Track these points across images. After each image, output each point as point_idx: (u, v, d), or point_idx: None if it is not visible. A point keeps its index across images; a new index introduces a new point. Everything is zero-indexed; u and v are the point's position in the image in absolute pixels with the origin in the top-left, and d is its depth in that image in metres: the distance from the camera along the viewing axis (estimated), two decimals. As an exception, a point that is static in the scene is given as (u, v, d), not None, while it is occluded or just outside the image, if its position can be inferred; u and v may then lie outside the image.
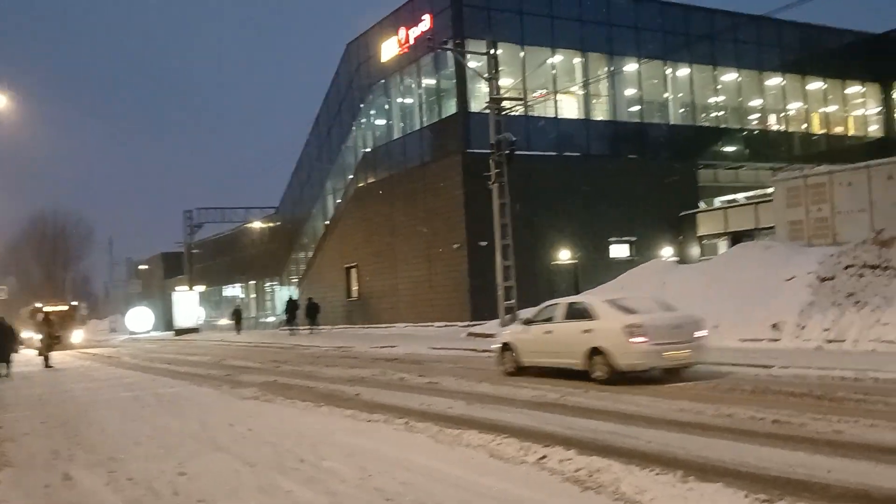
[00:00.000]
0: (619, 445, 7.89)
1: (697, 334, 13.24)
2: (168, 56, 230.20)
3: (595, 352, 13.21)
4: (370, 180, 40.23)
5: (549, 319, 14.90)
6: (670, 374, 13.17)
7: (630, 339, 12.73)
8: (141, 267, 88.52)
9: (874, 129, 45.64)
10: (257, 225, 57.40)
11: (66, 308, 44.53)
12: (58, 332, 36.63)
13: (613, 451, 7.55)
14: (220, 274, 65.10)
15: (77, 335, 43.26)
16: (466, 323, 30.19)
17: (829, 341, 15.31)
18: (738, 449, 7.46)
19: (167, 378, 19.32)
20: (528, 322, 15.75)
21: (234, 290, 63.82)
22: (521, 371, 15.08)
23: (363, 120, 42.27)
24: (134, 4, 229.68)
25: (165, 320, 66.94)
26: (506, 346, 15.72)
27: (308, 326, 39.40)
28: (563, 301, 15.36)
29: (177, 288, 63.34)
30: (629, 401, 10.86)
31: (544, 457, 7.23)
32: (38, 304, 42.51)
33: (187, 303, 57.51)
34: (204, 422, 11.01)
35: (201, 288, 64.13)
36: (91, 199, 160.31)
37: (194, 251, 67.16)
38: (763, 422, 8.72)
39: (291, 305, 41.90)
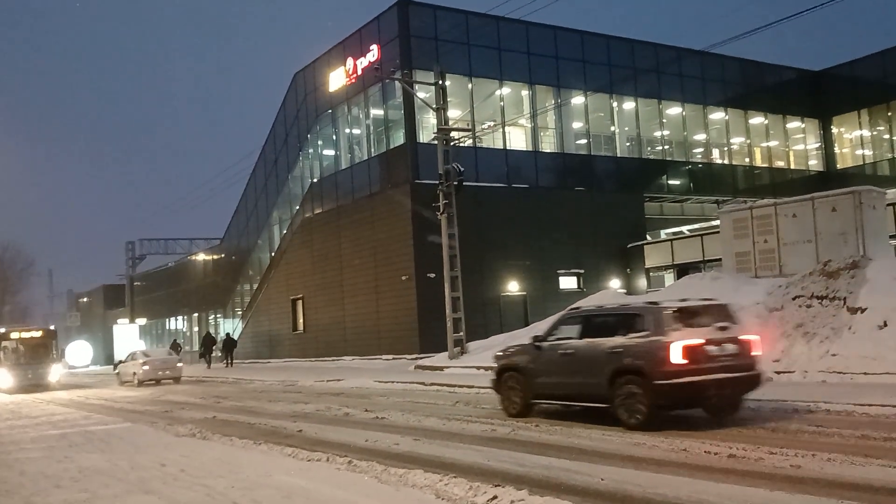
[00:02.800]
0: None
1: (177, 366, 31.88)
2: (111, 84, 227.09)
3: (135, 371, 31.14)
4: (317, 211, 39.70)
5: (126, 361, 33.71)
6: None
7: (143, 367, 30.68)
8: (81, 299, 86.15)
9: (814, 163, 46.73)
10: (201, 256, 56.27)
11: (39, 335, 33.33)
12: (30, 367, 29.57)
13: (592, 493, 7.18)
14: (163, 306, 63.57)
15: (55, 372, 32.16)
16: (415, 355, 29.72)
17: (779, 372, 15.23)
18: (694, 485, 7.17)
19: (101, 415, 18.43)
20: (121, 363, 34.96)
21: (177, 323, 62.35)
22: (125, 383, 32.45)
23: (310, 150, 41.83)
24: (74, 32, 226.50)
25: (106, 354, 65.04)
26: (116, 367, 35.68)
27: (224, 361, 40.85)
28: (131, 351, 35.01)
29: (118, 321, 61.61)
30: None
31: (495, 497, 6.83)
32: (1, 329, 33.23)
33: (128, 336, 55.92)
34: (134, 462, 10.35)
35: (143, 321, 62.57)
36: (31, 230, 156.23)
37: (137, 283, 65.59)
38: (719, 456, 8.47)
39: (208, 340, 43.20)
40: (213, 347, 42.08)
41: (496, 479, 7.70)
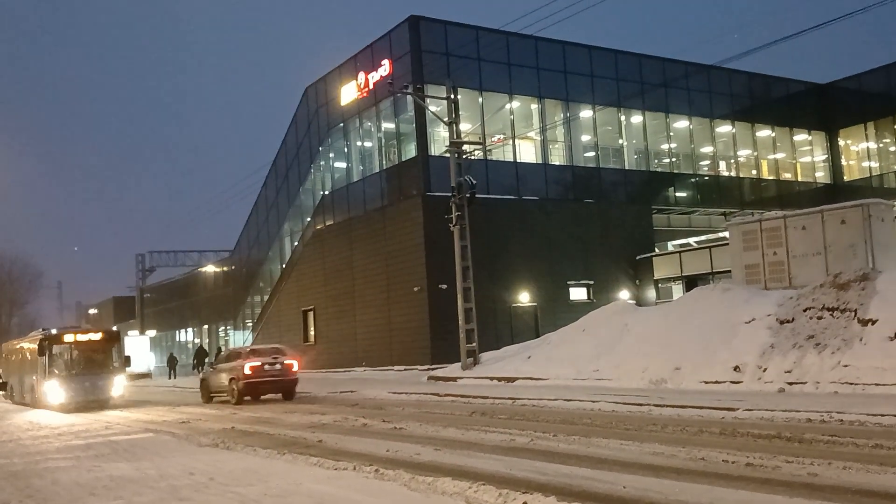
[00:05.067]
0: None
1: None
2: (121, 97, 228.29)
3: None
4: (329, 223, 40.02)
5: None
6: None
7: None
8: (91, 311, 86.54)
9: (821, 176, 46.92)
10: (211, 268, 56.62)
11: (99, 338, 26.52)
12: (87, 378, 24.96)
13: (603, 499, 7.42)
14: (173, 318, 63.90)
15: (118, 384, 25.88)
16: (426, 366, 29.93)
17: (791, 383, 15.44)
18: (714, 492, 7.39)
19: (120, 425, 18.68)
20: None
21: (186, 335, 62.67)
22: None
23: (322, 162, 42.18)
24: (81, 45, 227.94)
25: (115, 366, 65.35)
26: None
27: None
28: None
29: (128, 332, 61.90)
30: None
31: (524, 504, 7.07)
32: (52, 331, 26.48)
33: (138, 348, 56.19)
34: (162, 470, 10.58)
35: (153, 332, 62.87)
36: (41, 243, 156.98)
37: (147, 295, 65.93)
38: (736, 465, 8.69)
39: (201, 353, 45.37)
40: (206, 360, 43.10)
41: (524, 487, 7.93)
